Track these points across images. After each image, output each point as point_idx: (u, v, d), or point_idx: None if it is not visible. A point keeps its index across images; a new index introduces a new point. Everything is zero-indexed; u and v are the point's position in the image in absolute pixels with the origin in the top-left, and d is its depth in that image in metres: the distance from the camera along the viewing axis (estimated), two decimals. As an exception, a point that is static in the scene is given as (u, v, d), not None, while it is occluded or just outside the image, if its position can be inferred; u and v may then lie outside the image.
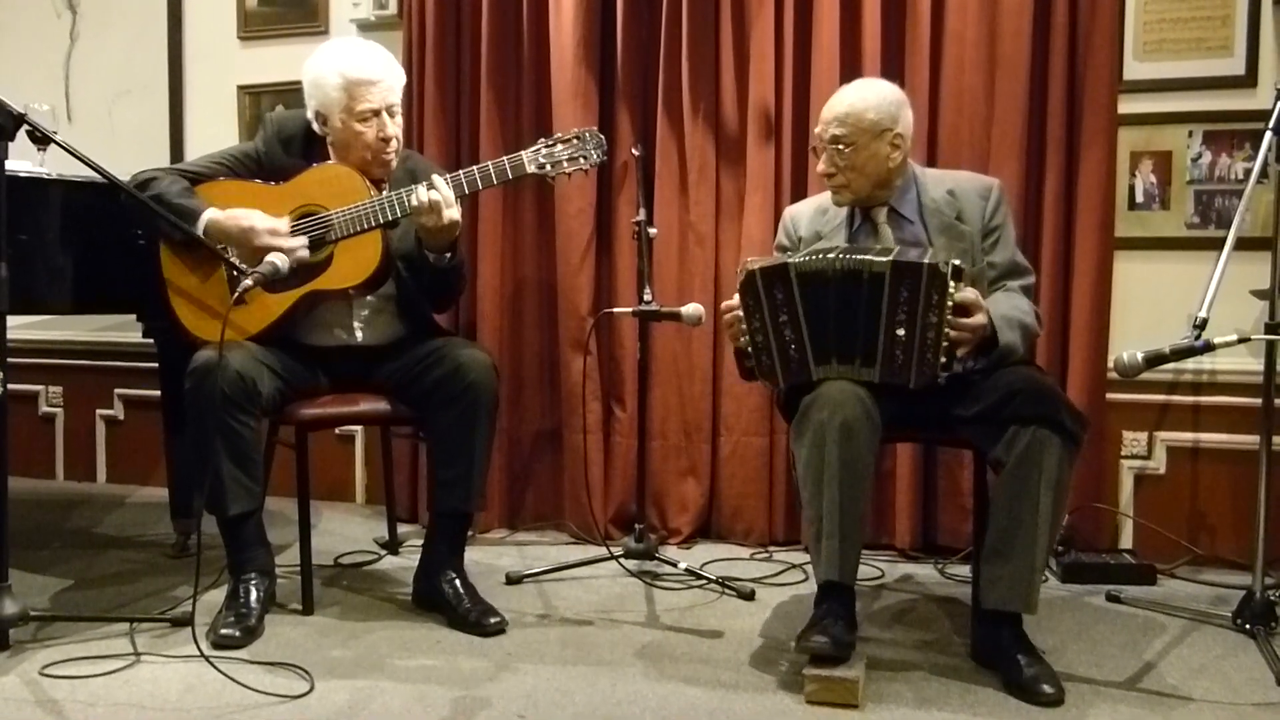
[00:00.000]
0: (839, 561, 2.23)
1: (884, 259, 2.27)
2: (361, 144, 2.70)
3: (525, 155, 2.64)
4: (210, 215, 2.61)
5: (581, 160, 2.64)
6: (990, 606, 2.27)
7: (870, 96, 2.53)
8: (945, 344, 2.23)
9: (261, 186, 2.73)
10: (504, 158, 2.66)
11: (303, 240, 2.60)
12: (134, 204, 2.60)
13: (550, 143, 2.65)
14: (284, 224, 2.62)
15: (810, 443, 2.26)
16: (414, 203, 2.56)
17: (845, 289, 2.30)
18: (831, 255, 2.34)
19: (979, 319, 2.28)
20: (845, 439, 2.22)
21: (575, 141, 2.65)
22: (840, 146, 2.50)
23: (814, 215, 2.68)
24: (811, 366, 2.35)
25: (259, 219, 2.60)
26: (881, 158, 2.51)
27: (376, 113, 2.68)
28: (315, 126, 2.76)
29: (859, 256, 2.31)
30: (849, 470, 2.22)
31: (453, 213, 2.58)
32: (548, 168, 2.63)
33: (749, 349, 2.39)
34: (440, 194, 2.56)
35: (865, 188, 2.53)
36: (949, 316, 2.22)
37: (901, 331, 2.26)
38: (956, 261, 2.24)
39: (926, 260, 2.24)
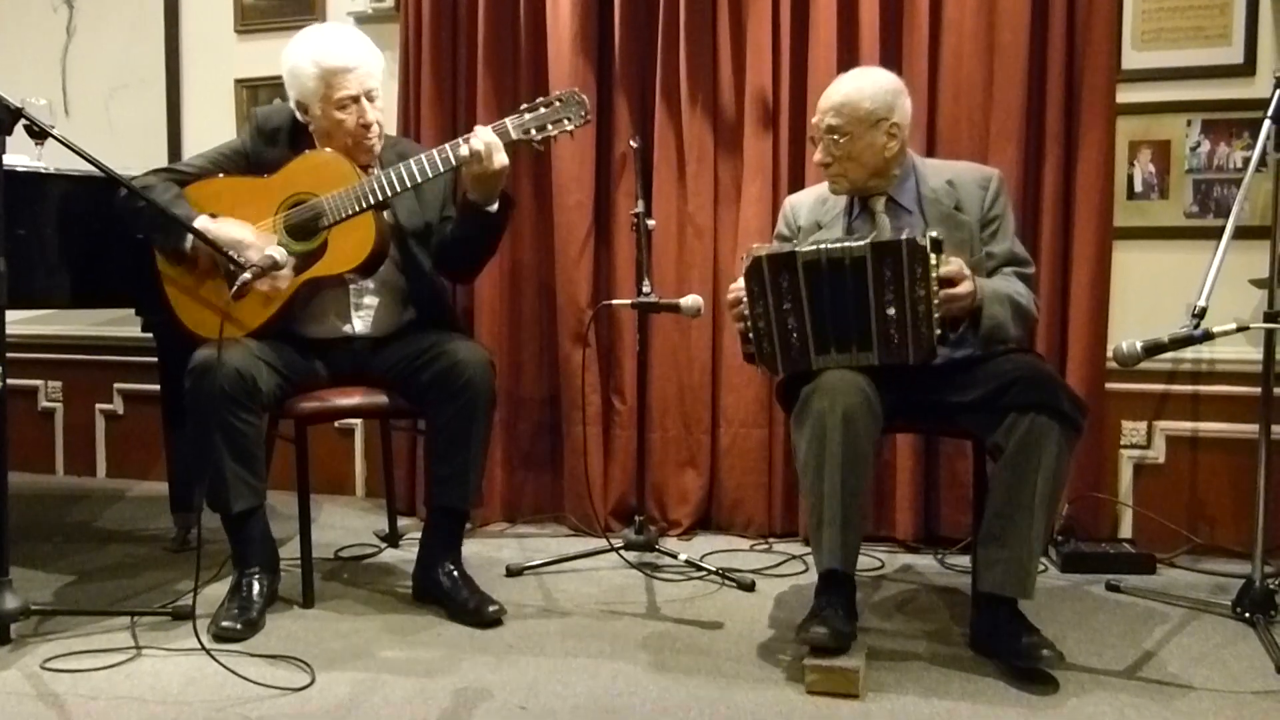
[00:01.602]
0: (839, 550, 2.23)
1: (861, 243, 2.29)
2: (343, 131, 2.71)
3: (509, 122, 2.64)
4: (201, 224, 2.60)
5: (565, 122, 2.63)
6: (986, 589, 2.28)
7: (866, 86, 2.52)
8: (936, 315, 2.24)
9: (252, 180, 2.73)
10: (488, 126, 2.65)
11: (289, 258, 2.57)
12: (127, 210, 2.62)
13: (532, 106, 2.65)
14: (280, 252, 2.54)
15: (811, 432, 2.27)
16: (463, 153, 2.58)
17: (833, 278, 2.31)
18: (818, 247, 2.34)
19: (965, 287, 2.29)
20: (846, 427, 2.23)
21: (557, 104, 2.64)
22: (836, 137, 2.50)
23: (814, 205, 2.68)
24: (812, 356, 2.35)
25: (248, 233, 2.61)
26: (878, 148, 2.50)
27: (355, 99, 2.69)
28: (298, 115, 2.77)
29: (839, 244, 2.32)
30: (849, 459, 2.23)
31: (501, 156, 2.59)
32: (532, 132, 2.63)
33: (750, 334, 2.40)
34: (487, 139, 2.57)
35: (862, 177, 2.53)
36: (935, 288, 2.23)
37: (892, 310, 2.28)
38: (934, 234, 2.26)
39: (904, 237, 2.26)
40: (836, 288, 2.31)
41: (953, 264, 2.29)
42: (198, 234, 2.57)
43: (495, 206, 2.69)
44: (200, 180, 2.73)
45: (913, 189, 2.57)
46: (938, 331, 2.26)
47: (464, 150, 2.58)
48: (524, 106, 2.66)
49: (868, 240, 2.29)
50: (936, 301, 2.24)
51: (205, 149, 2.86)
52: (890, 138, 2.50)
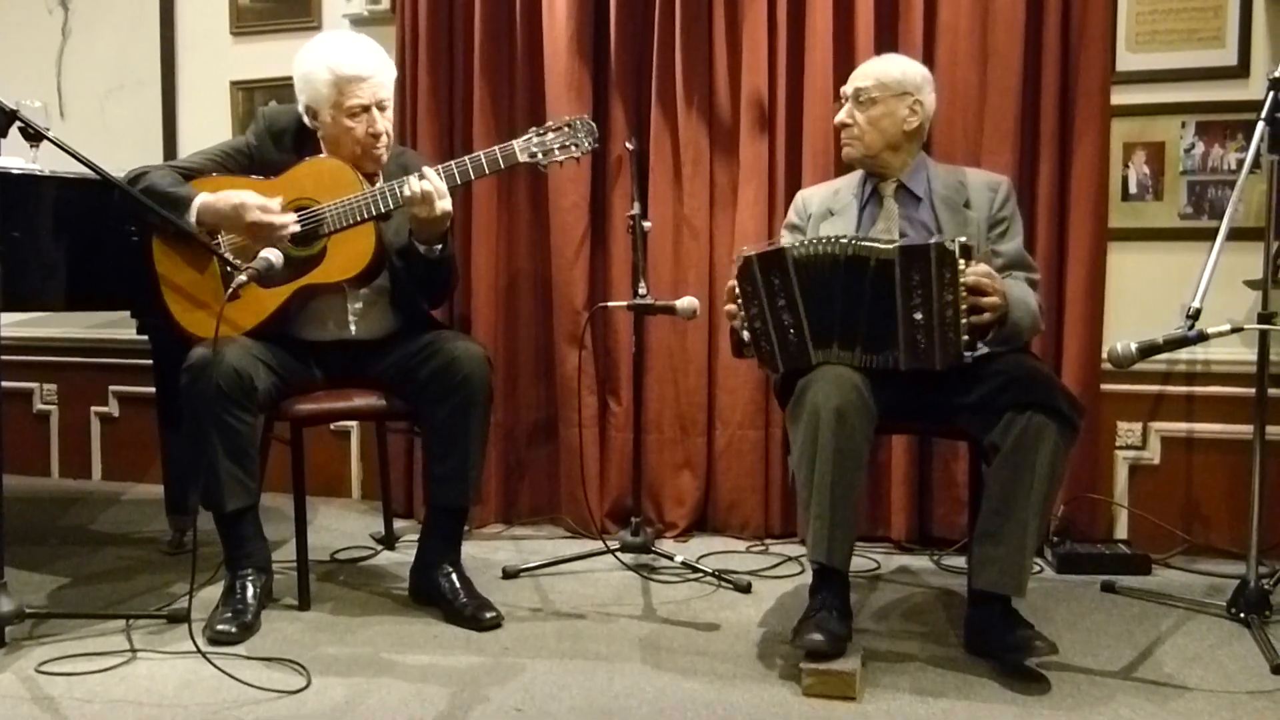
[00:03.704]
0: (828, 544, 2.24)
1: (890, 245, 2.28)
2: (351, 139, 2.70)
3: (516, 144, 2.64)
4: (202, 198, 2.61)
5: (573, 148, 2.65)
6: (981, 587, 2.29)
7: (903, 63, 2.68)
8: (964, 321, 2.24)
9: (255, 181, 2.72)
10: (495, 147, 2.66)
11: (293, 216, 2.61)
12: (127, 199, 2.60)
13: (541, 131, 2.65)
14: (275, 201, 2.62)
15: (805, 425, 2.27)
16: (405, 194, 2.57)
17: (850, 276, 2.30)
18: (839, 240, 2.33)
19: (994, 298, 2.28)
20: (839, 422, 2.23)
21: (566, 129, 2.65)
22: (860, 98, 2.59)
23: (826, 195, 2.73)
24: (811, 351, 2.35)
25: (250, 196, 2.60)
26: (898, 118, 2.59)
27: (366, 108, 2.68)
28: (306, 120, 2.76)
29: (865, 243, 2.31)
30: (842, 454, 2.23)
31: (444, 204, 2.58)
32: (539, 156, 2.64)
33: (745, 335, 2.40)
34: (432, 185, 2.56)
35: (877, 144, 2.59)
36: (963, 294, 2.23)
37: (919, 316, 2.26)
38: (964, 239, 2.25)
39: (933, 241, 2.25)
40: (853, 285, 2.30)
41: (981, 271, 2.28)
42: (189, 230, 2.57)
43: (439, 249, 2.68)
44: (201, 176, 2.72)
45: (924, 179, 2.62)
46: (965, 337, 2.25)
47: (404, 191, 2.57)
48: (533, 130, 2.65)
49: (896, 244, 2.28)
50: (964, 308, 2.23)
51: (202, 149, 2.85)
52: (912, 113, 2.60)
